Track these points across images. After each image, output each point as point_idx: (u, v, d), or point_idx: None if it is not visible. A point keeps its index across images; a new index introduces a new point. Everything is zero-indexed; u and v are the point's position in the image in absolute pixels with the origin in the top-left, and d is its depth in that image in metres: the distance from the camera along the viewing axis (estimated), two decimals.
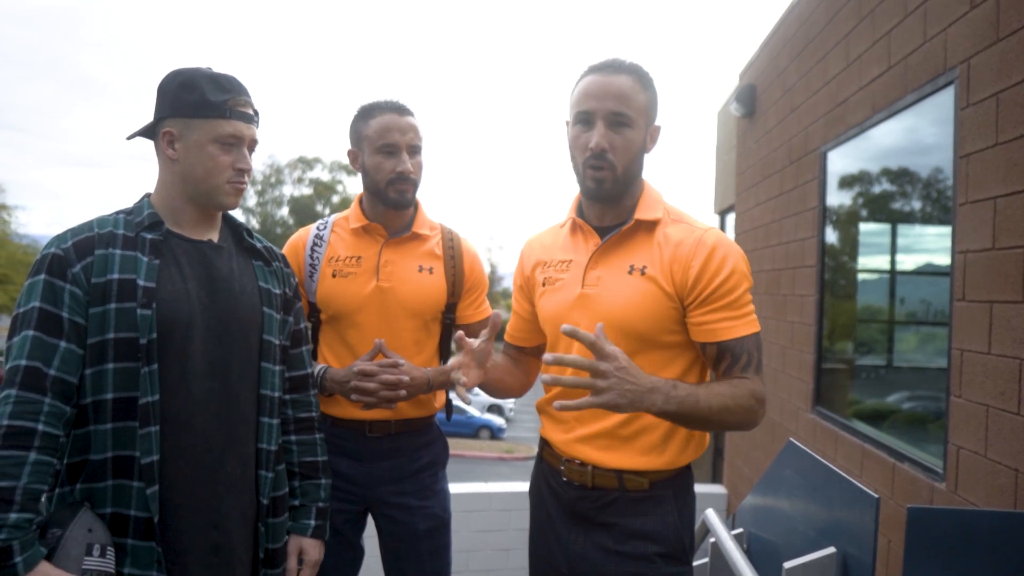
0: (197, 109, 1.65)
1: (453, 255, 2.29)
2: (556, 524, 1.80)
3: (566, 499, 1.77)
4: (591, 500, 1.73)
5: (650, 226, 1.73)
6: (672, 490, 1.72)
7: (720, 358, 1.67)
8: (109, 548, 1.51)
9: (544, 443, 1.89)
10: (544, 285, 1.85)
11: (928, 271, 3.58)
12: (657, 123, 1.77)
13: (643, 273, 1.69)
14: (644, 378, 1.51)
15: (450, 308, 2.28)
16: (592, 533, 1.73)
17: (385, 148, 2.15)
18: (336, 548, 2.20)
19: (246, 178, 1.74)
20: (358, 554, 2.30)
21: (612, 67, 1.69)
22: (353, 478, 2.20)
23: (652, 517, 1.70)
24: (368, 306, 2.17)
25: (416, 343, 2.23)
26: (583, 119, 1.70)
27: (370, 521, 2.31)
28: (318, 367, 2.15)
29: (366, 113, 2.21)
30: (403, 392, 2.07)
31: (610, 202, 1.75)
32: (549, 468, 1.85)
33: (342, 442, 2.20)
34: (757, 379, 1.66)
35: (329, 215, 2.37)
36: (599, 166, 1.68)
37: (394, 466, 2.22)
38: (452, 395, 2.42)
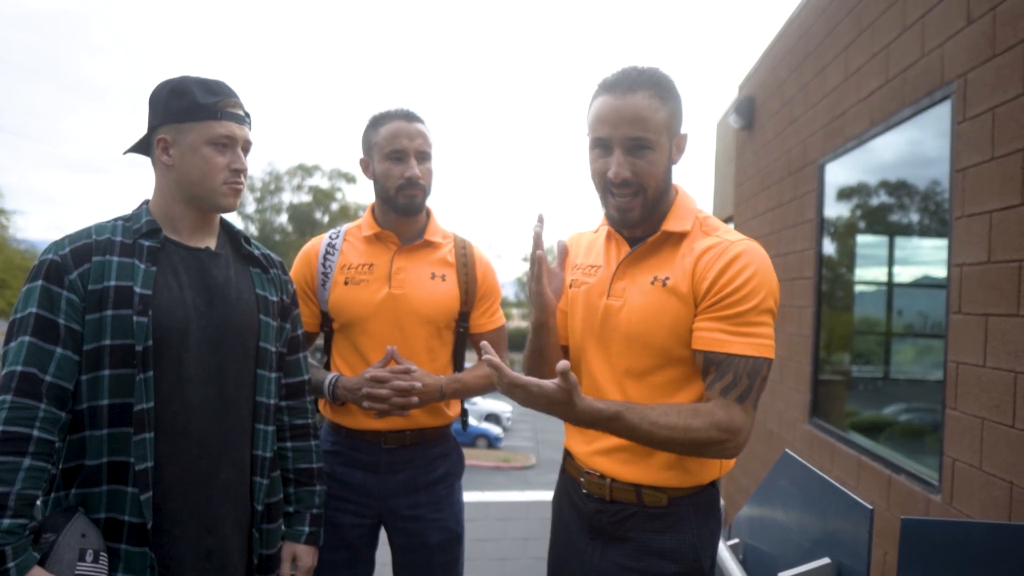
0: (188, 113, 1.67)
1: (466, 263, 2.29)
2: (574, 537, 1.76)
3: (585, 512, 1.73)
4: (609, 514, 1.69)
5: (678, 238, 1.66)
6: (693, 508, 1.65)
7: (706, 370, 1.56)
8: (102, 554, 1.52)
9: (567, 454, 1.85)
10: (571, 287, 1.81)
11: (925, 283, 3.60)
12: (683, 131, 1.67)
13: (664, 284, 1.61)
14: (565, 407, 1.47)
15: (463, 317, 2.27)
16: (609, 548, 1.69)
17: (394, 154, 2.16)
18: (349, 563, 2.18)
19: (242, 178, 1.74)
20: (370, 570, 2.28)
21: (625, 85, 1.57)
22: (367, 490, 2.18)
23: (670, 535, 1.64)
24: (380, 313, 2.16)
25: (429, 351, 2.21)
26: (600, 144, 1.62)
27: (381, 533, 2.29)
28: (330, 376, 2.14)
29: (376, 121, 2.22)
30: (415, 399, 2.06)
31: (638, 225, 1.68)
32: (570, 479, 1.82)
33: (357, 454, 2.19)
34: (737, 409, 1.51)
35: (328, 222, 2.38)
36: (624, 194, 1.61)
37: (409, 477, 2.20)
38: (466, 404, 2.41)
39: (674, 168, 1.71)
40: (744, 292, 1.54)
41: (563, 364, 1.39)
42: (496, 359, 1.44)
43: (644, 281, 1.66)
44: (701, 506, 1.67)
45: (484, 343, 1.56)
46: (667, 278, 1.62)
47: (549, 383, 1.43)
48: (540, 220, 1.63)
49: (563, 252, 1.71)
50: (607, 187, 1.62)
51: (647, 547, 1.65)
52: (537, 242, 1.63)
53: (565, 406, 1.44)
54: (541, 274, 1.68)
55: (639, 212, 1.63)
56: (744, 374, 1.52)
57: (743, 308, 1.54)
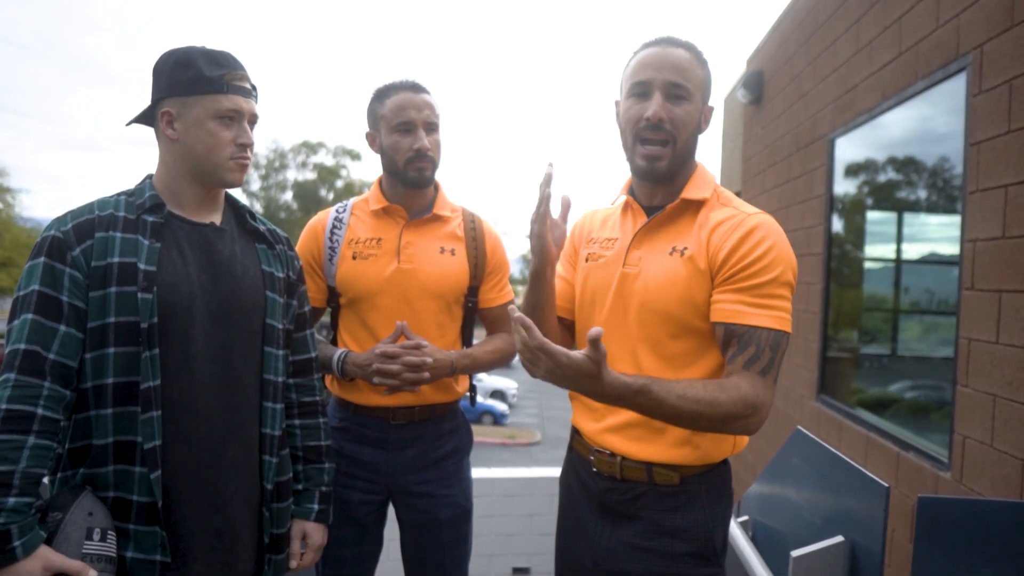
0: (194, 86, 1.62)
1: (475, 237, 2.26)
2: (583, 516, 1.74)
3: (595, 490, 1.71)
4: (620, 492, 1.66)
5: (697, 206, 1.65)
6: (704, 486, 1.63)
7: (727, 343, 1.53)
8: (110, 532, 1.50)
9: (575, 432, 1.83)
10: (587, 261, 1.78)
11: (933, 260, 3.56)
12: (710, 104, 1.69)
13: (683, 254, 1.60)
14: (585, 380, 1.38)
15: (472, 291, 2.25)
16: (620, 527, 1.67)
17: (401, 126, 2.12)
18: (358, 540, 2.18)
19: (248, 153, 1.70)
20: (379, 546, 2.27)
21: (669, 41, 1.63)
22: (376, 466, 2.17)
23: (682, 513, 1.62)
24: (389, 288, 2.13)
25: (439, 326, 2.19)
26: (638, 91, 1.62)
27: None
28: (339, 352, 2.12)
29: (382, 94, 2.17)
30: (426, 374, 2.04)
31: (661, 181, 1.67)
32: (579, 458, 1.79)
33: (365, 430, 2.17)
34: (760, 383, 1.48)
35: (333, 199, 2.35)
36: (656, 139, 1.60)
37: (418, 454, 2.19)
38: (475, 380, 2.39)
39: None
40: (762, 264, 1.52)
41: (595, 331, 1.31)
42: (527, 319, 1.35)
43: (662, 250, 1.64)
44: (713, 484, 1.65)
45: (512, 307, 1.48)
46: (685, 248, 1.60)
47: (578, 354, 1.35)
48: (551, 164, 1.60)
49: (566, 206, 1.68)
50: (639, 134, 1.62)
51: (658, 526, 1.63)
52: (547, 180, 1.59)
53: (593, 379, 1.37)
54: (546, 215, 1.63)
55: (667, 163, 1.62)
56: (766, 347, 1.50)
57: (762, 280, 1.52)
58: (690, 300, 1.58)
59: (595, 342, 1.31)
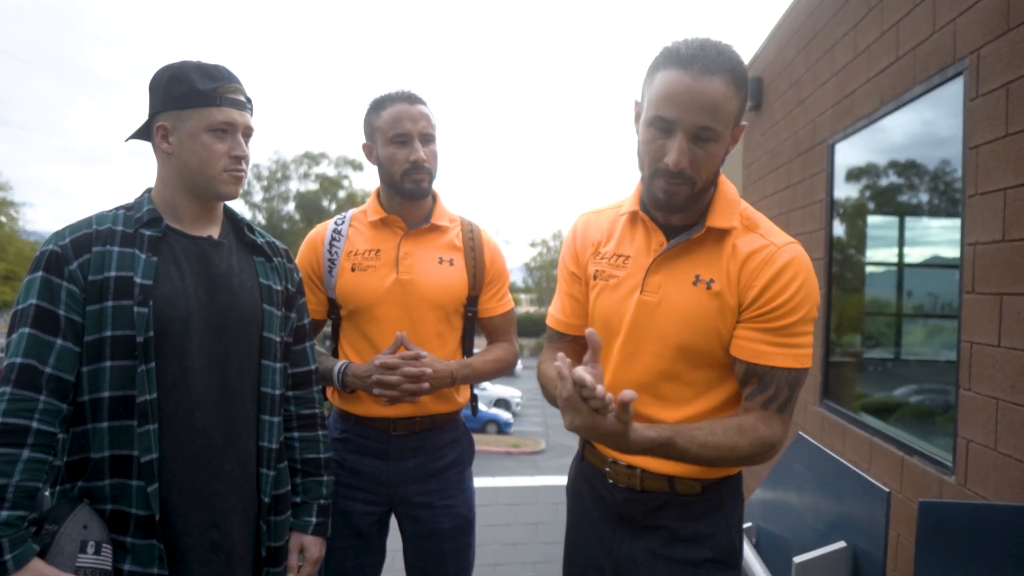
0: (188, 99, 1.63)
1: (474, 247, 2.26)
2: (599, 526, 1.71)
3: (611, 502, 1.68)
4: (640, 503, 1.63)
5: (722, 234, 1.56)
6: (724, 493, 1.63)
7: (746, 380, 1.53)
8: (105, 545, 1.50)
9: (586, 443, 1.78)
10: (596, 279, 1.69)
11: (936, 263, 3.56)
12: (743, 122, 1.54)
13: (708, 287, 1.53)
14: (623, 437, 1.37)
15: (472, 301, 2.25)
16: (639, 536, 1.64)
17: (397, 138, 2.12)
18: (360, 551, 2.18)
19: (243, 165, 1.71)
20: (381, 557, 2.27)
21: (703, 64, 1.40)
22: (378, 477, 2.17)
23: (704, 521, 1.60)
24: (388, 299, 2.14)
25: (438, 336, 2.19)
26: (661, 125, 1.45)
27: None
28: (339, 363, 2.13)
29: (377, 105, 2.18)
30: (426, 385, 2.04)
31: (679, 211, 1.57)
32: (592, 469, 1.75)
33: (366, 441, 2.17)
34: (776, 420, 1.50)
35: (335, 210, 2.36)
36: (675, 182, 1.48)
37: (419, 464, 2.18)
38: (476, 389, 2.39)
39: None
40: (792, 305, 1.50)
41: (628, 394, 1.28)
42: (589, 378, 1.27)
43: (684, 279, 1.56)
44: (731, 490, 1.65)
45: (558, 363, 1.32)
46: (711, 280, 1.54)
47: (606, 418, 1.33)
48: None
49: (597, 347, 1.40)
50: (658, 170, 1.49)
51: (679, 534, 1.61)
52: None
53: (620, 437, 1.36)
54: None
55: (683, 198, 1.51)
56: (785, 386, 1.51)
57: (789, 321, 1.50)
58: (716, 335, 1.54)
59: (625, 406, 1.30)
